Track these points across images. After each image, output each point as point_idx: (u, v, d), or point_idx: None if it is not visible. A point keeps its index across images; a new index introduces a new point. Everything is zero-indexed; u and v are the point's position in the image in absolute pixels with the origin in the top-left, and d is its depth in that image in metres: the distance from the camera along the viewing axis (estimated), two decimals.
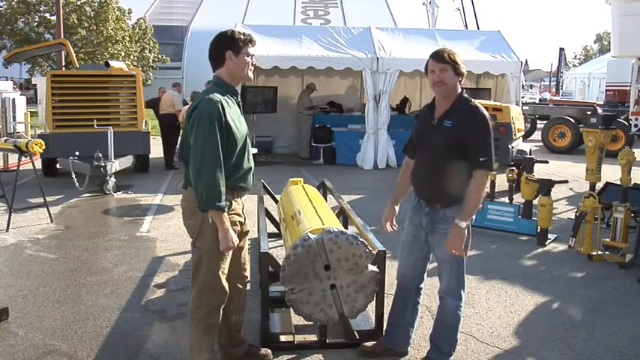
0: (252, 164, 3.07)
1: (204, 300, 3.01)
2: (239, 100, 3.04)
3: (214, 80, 3.00)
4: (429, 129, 3.19)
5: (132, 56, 23.90)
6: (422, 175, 3.24)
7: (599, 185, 7.32)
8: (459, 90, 3.13)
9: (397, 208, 3.48)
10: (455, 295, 3.26)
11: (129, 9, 25.18)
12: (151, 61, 25.47)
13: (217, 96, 2.85)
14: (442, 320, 3.32)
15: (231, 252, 3.02)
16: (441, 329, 3.34)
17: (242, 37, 2.94)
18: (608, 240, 5.61)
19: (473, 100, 3.15)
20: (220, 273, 2.99)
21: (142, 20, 26.03)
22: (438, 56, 3.08)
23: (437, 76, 3.08)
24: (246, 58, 2.95)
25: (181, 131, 11.19)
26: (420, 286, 3.47)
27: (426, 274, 3.48)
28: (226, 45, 2.93)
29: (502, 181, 7.81)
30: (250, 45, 2.96)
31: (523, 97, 15.97)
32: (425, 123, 3.25)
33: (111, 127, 8.81)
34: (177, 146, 11.55)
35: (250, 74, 3.01)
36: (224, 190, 2.80)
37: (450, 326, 3.30)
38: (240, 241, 3.14)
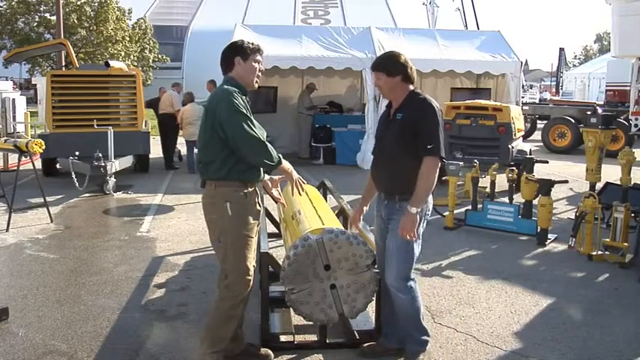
0: None
1: (232, 293, 3.15)
2: (248, 99, 3.20)
3: (226, 79, 3.21)
4: (385, 125, 3.39)
5: (132, 56, 23.87)
6: (379, 167, 3.40)
7: (599, 185, 7.32)
8: (408, 87, 3.27)
9: (366, 209, 3.63)
10: (404, 290, 3.26)
11: (129, 9, 25.15)
12: (150, 61, 25.44)
13: (232, 87, 3.10)
14: (401, 315, 3.34)
15: (255, 240, 3.20)
16: (405, 323, 3.36)
17: (251, 45, 3.19)
18: (608, 240, 5.60)
19: (423, 94, 3.30)
20: (249, 263, 3.15)
21: (142, 20, 25.99)
22: (371, 65, 3.37)
23: (375, 83, 3.36)
24: (253, 64, 3.19)
25: (180, 131, 11.26)
26: None
27: None
28: (236, 52, 3.18)
29: (502, 181, 7.80)
30: (258, 53, 3.21)
31: (523, 97, 15.95)
32: (383, 120, 3.47)
33: (111, 127, 8.81)
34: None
35: (255, 83, 3.23)
36: (274, 151, 3.09)
37: (410, 317, 3.32)
38: None
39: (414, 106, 3.22)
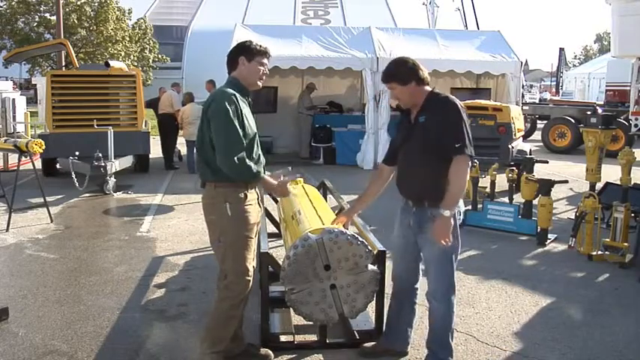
0: (261, 157, 3.23)
1: (231, 293, 3.16)
2: (250, 100, 3.21)
3: (228, 79, 3.21)
4: (408, 130, 3.27)
5: (132, 56, 23.85)
6: (406, 175, 3.27)
7: (599, 185, 7.32)
8: (425, 89, 3.20)
9: (359, 212, 3.65)
10: (444, 301, 3.20)
11: (129, 9, 25.13)
12: (150, 61, 25.42)
13: (230, 90, 3.09)
14: (432, 325, 3.29)
15: (255, 241, 3.21)
16: (432, 334, 3.31)
17: (257, 47, 3.18)
18: (608, 240, 5.61)
19: (443, 93, 3.24)
20: (248, 264, 3.16)
21: (142, 20, 25.98)
22: (382, 78, 3.28)
23: (392, 94, 3.30)
24: (258, 66, 3.17)
25: (180, 131, 11.26)
26: (416, 286, 3.45)
27: (420, 274, 3.44)
28: (241, 52, 3.17)
29: (502, 181, 7.80)
30: (264, 56, 3.19)
31: (523, 97, 15.94)
32: (404, 126, 3.35)
33: (111, 127, 8.81)
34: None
35: (260, 83, 3.21)
36: (251, 163, 3.05)
37: (440, 331, 3.26)
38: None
39: (435, 106, 3.12)
